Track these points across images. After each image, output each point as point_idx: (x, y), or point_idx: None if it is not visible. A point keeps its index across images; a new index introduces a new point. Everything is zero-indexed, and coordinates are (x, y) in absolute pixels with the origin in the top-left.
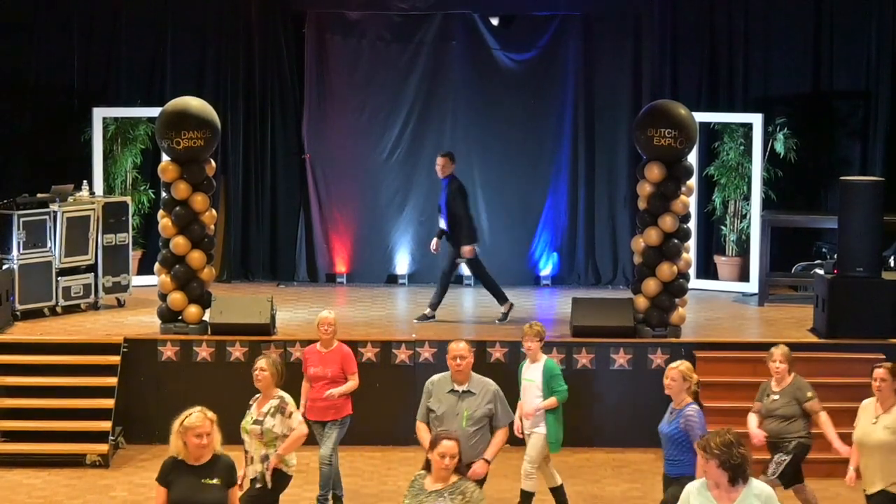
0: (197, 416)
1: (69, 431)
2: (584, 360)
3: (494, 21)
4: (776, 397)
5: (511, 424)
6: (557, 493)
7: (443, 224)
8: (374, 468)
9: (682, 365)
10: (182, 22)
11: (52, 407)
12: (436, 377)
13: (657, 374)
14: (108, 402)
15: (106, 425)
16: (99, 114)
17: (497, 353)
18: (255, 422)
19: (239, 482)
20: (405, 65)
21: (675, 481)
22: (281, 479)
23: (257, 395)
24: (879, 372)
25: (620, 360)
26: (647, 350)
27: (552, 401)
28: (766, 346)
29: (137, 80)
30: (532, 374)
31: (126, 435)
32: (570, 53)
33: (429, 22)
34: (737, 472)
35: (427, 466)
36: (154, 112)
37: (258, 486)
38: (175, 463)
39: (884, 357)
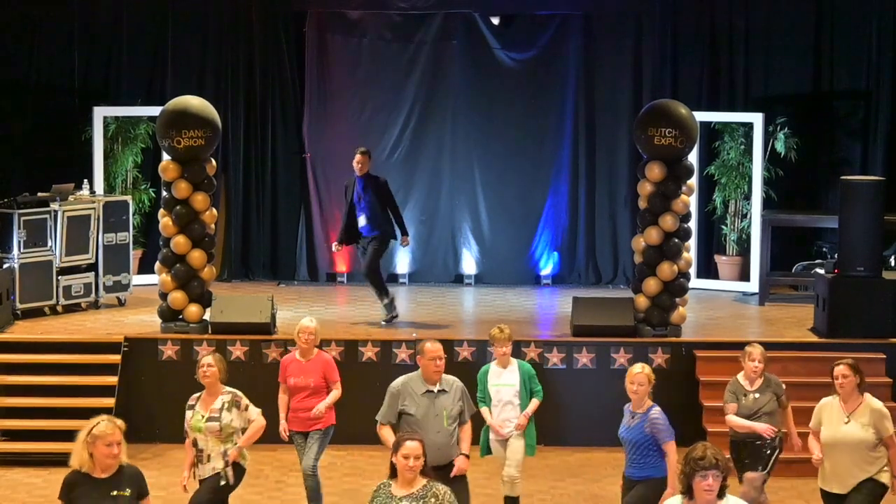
0: (106, 425)
1: (70, 430)
2: (584, 359)
3: (495, 20)
4: (757, 395)
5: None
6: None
7: (363, 221)
8: (375, 467)
9: (645, 368)
10: (183, 21)
11: (52, 406)
12: (402, 380)
13: (658, 373)
14: (109, 402)
15: None
16: (99, 113)
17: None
18: (211, 419)
19: (184, 482)
20: (406, 64)
21: (641, 483)
22: (238, 472)
23: (198, 394)
24: (841, 369)
25: (621, 359)
26: (647, 349)
27: (535, 403)
28: (767, 346)
29: (138, 78)
30: (507, 379)
31: (127, 434)
32: (571, 53)
33: (429, 21)
34: (724, 484)
35: (392, 473)
36: (155, 111)
37: (222, 482)
38: (79, 477)
39: (884, 357)
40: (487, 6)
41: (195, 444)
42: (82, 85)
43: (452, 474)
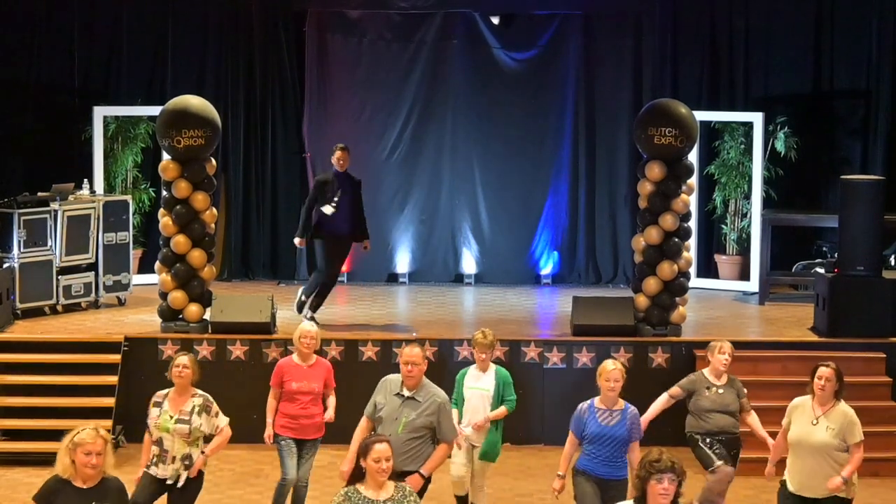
0: (88, 433)
1: (70, 430)
2: (584, 358)
3: (495, 20)
4: (722, 391)
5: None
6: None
7: (342, 220)
8: None
9: (618, 364)
10: (183, 20)
11: (52, 405)
12: (391, 376)
13: (658, 372)
14: (109, 401)
15: (107, 424)
16: (99, 112)
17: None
18: (181, 421)
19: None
20: (406, 64)
21: (619, 484)
22: (200, 479)
23: (165, 392)
24: (825, 371)
25: (621, 358)
26: (647, 349)
27: (502, 410)
28: (767, 346)
29: (138, 78)
30: (483, 384)
31: (127, 434)
32: (571, 52)
33: (429, 21)
34: (679, 491)
35: (354, 480)
36: (155, 111)
37: (180, 484)
38: (60, 483)
39: (884, 356)
40: (487, 6)
41: (160, 443)
42: (82, 85)
43: None
